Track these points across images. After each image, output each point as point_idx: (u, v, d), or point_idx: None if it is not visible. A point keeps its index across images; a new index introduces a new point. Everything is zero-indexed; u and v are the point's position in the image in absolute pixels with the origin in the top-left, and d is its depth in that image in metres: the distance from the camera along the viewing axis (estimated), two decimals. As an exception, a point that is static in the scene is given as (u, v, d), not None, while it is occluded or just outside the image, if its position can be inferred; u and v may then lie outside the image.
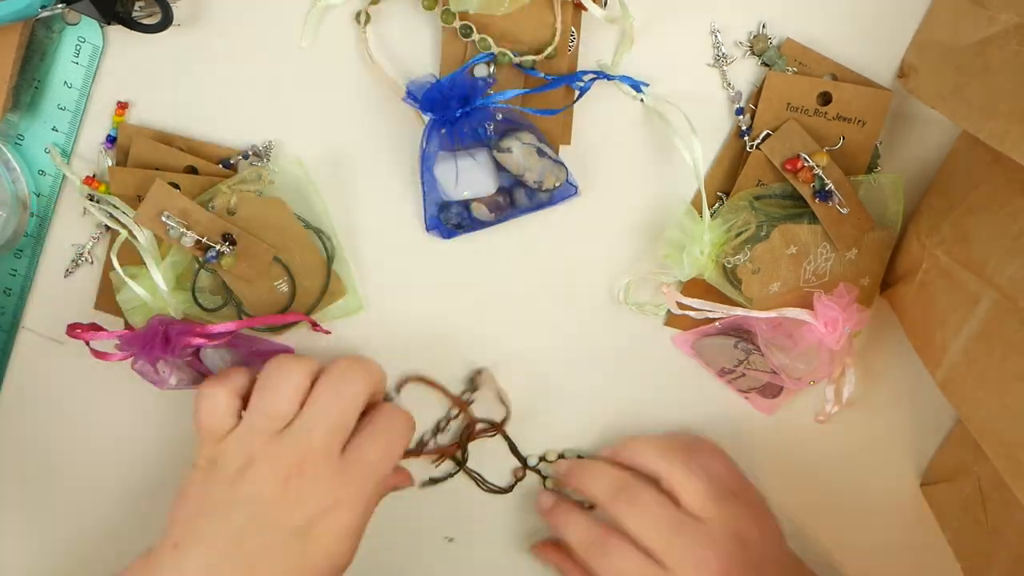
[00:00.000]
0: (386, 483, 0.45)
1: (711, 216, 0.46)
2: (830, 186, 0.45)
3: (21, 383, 0.51)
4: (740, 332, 0.49)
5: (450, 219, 0.47)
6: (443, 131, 0.44)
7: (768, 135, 0.47)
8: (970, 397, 0.40)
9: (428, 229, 0.48)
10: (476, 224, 0.48)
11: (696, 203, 0.47)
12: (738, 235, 0.46)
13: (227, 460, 0.41)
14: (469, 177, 0.45)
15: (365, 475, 0.42)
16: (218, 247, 0.45)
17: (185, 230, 0.44)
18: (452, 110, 0.43)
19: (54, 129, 0.46)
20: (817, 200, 0.45)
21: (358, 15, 0.45)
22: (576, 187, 0.47)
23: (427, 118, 0.44)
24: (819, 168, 0.45)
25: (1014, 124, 0.36)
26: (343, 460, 0.42)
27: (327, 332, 0.49)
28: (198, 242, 0.44)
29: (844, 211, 0.45)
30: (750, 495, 0.49)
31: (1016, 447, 0.37)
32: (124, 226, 0.45)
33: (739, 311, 0.47)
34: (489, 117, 0.44)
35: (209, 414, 0.42)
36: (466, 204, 0.47)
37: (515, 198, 0.47)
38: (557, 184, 0.46)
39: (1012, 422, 0.37)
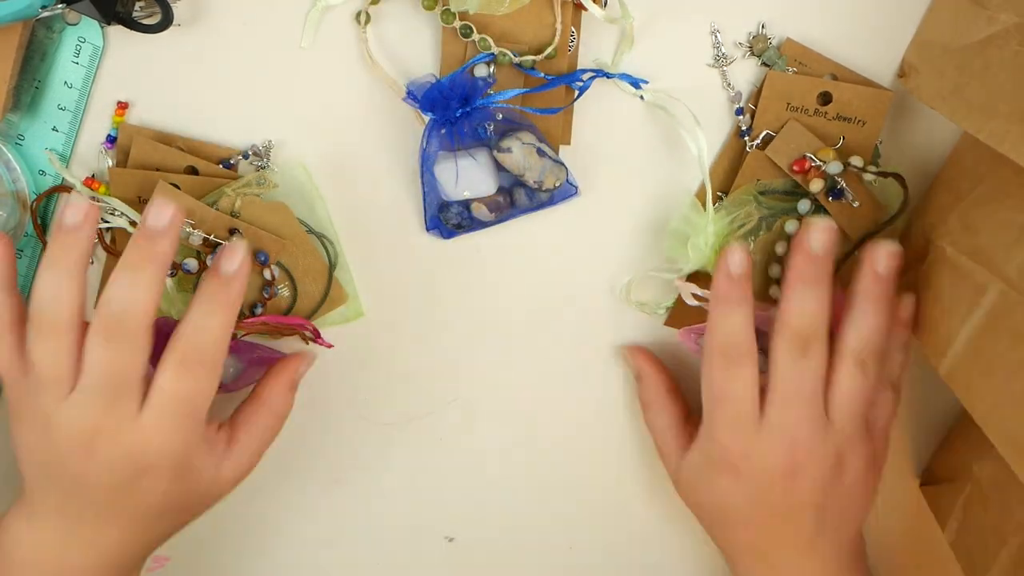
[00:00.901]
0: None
1: (715, 209, 0.46)
2: (842, 185, 0.45)
3: (21, 383, 0.51)
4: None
5: (450, 219, 0.47)
6: (443, 131, 0.44)
7: (768, 135, 0.47)
8: (976, 387, 0.40)
9: (428, 229, 0.48)
10: (476, 224, 0.48)
11: (700, 196, 0.47)
12: (740, 227, 0.46)
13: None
14: (469, 177, 0.45)
15: (174, 411, 0.39)
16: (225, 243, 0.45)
17: (192, 229, 0.44)
18: (452, 110, 0.43)
19: (54, 129, 0.46)
20: (830, 199, 0.46)
21: (358, 15, 0.45)
22: (576, 187, 0.47)
23: (427, 118, 0.44)
24: (825, 165, 0.45)
25: (1014, 124, 0.36)
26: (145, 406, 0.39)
27: (329, 345, 0.49)
28: (205, 240, 0.45)
29: (856, 204, 0.46)
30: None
31: (1023, 437, 0.37)
32: (131, 223, 0.45)
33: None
34: (489, 117, 0.44)
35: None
36: (466, 204, 0.47)
37: (515, 198, 0.47)
38: (557, 184, 0.46)
39: (1019, 411, 0.37)
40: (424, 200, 0.47)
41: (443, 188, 0.46)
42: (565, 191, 0.47)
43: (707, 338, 0.44)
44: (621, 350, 0.51)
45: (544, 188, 0.46)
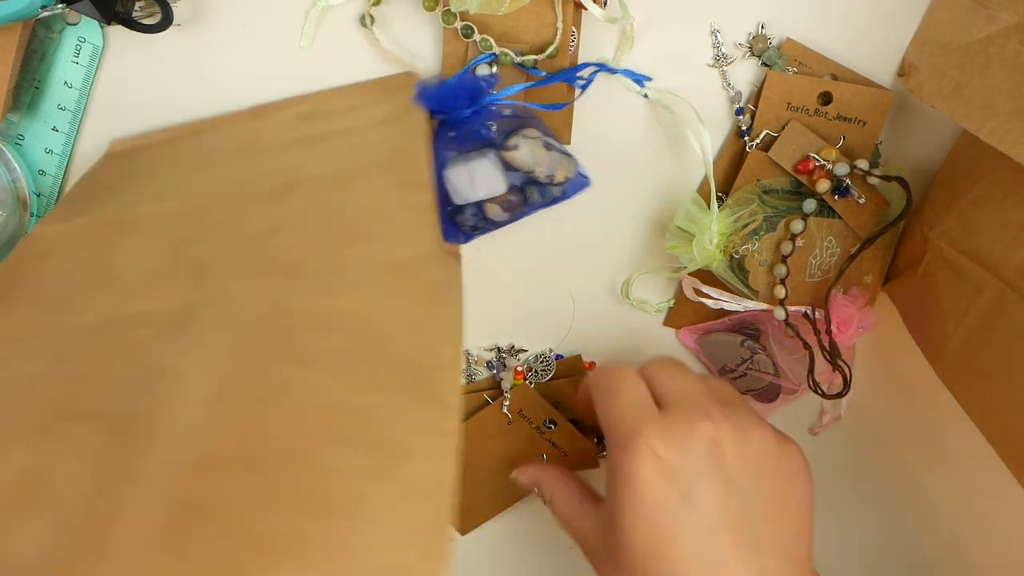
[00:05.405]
0: None
1: (719, 208, 0.46)
2: (847, 183, 0.45)
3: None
4: (748, 330, 0.49)
5: (466, 221, 0.46)
6: (451, 134, 0.43)
7: (768, 135, 0.47)
8: (972, 386, 0.40)
9: (446, 238, 0.47)
10: (491, 225, 0.47)
11: (702, 193, 0.47)
12: (745, 226, 0.46)
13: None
14: (482, 177, 0.44)
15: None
16: None
17: None
18: (461, 110, 0.43)
19: (54, 129, 0.46)
20: (836, 197, 0.46)
21: (362, 18, 0.45)
22: (588, 177, 0.46)
23: (435, 121, 0.44)
24: (831, 166, 0.45)
25: (1014, 124, 0.36)
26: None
27: None
28: None
29: (862, 201, 0.46)
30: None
31: (1019, 436, 0.37)
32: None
33: (752, 304, 0.47)
34: (493, 117, 0.44)
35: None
36: (479, 205, 0.46)
37: (528, 195, 0.46)
38: (569, 176, 0.45)
39: (1015, 410, 0.37)
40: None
41: (457, 191, 0.45)
42: (578, 183, 0.46)
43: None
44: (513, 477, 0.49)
45: (556, 182, 0.45)
